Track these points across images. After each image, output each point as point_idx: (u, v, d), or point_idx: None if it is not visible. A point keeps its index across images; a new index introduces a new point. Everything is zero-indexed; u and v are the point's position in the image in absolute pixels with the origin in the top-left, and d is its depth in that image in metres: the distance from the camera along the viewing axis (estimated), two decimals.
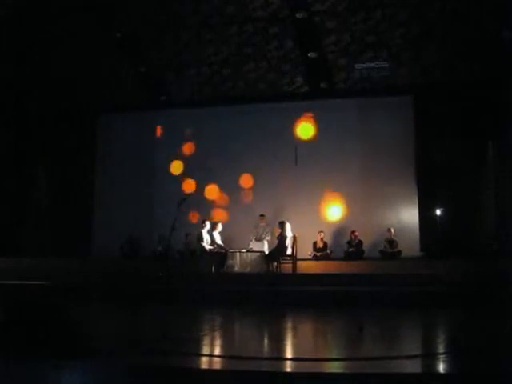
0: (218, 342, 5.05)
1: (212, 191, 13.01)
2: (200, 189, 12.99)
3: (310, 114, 12.74)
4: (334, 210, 12.41)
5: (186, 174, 13.17)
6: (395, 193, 11.99)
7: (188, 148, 13.32)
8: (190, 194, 12.36)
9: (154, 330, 5.42)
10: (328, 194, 12.37)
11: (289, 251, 10.40)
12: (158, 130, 13.69)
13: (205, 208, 12.62)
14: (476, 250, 10.53)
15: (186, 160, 13.27)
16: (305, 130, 12.77)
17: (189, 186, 13.10)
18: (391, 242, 11.18)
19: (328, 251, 11.31)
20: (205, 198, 12.91)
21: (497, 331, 5.40)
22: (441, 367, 3.79)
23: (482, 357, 3.95)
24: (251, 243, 11.24)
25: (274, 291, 8.37)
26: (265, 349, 4.84)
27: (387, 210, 11.94)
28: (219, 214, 12.71)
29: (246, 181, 12.89)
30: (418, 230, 11.68)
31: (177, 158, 13.30)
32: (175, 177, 13.19)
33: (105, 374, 3.52)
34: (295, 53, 11.97)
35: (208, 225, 11.09)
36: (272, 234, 11.41)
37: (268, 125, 12.65)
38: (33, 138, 13.92)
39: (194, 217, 12.49)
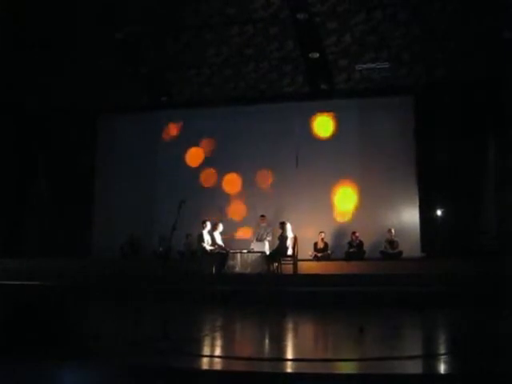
0: (218, 343, 5.04)
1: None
2: (200, 188, 13.00)
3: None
4: (334, 211, 12.40)
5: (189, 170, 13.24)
6: (396, 193, 11.97)
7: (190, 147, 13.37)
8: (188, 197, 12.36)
9: (154, 329, 5.41)
10: (328, 194, 12.36)
11: (289, 252, 10.41)
12: (159, 131, 13.68)
13: (206, 209, 12.63)
14: (476, 250, 10.53)
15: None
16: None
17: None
18: (392, 243, 11.17)
19: (329, 252, 11.32)
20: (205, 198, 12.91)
21: (497, 331, 5.40)
22: (441, 368, 3.79)
23: (482, 357, 3.94)
24: (252, 244, 11.24)
25: (275, 292, 8.36)
26: (265, 349, 4.82)
27: (388, 210, 11.93)
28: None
29: (246, 181, 12.89)
30: (418, 231, 11.65)
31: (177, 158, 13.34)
32: (175, 176, 13.18)
33: (105, 374, 3.52)
34: (296, 53, 11.96)
35: (209, 225, 11.09)
36: (273, 235, 11.40)
37: (269, 126, 12.65)
38: (33, 137, 13.93)
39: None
